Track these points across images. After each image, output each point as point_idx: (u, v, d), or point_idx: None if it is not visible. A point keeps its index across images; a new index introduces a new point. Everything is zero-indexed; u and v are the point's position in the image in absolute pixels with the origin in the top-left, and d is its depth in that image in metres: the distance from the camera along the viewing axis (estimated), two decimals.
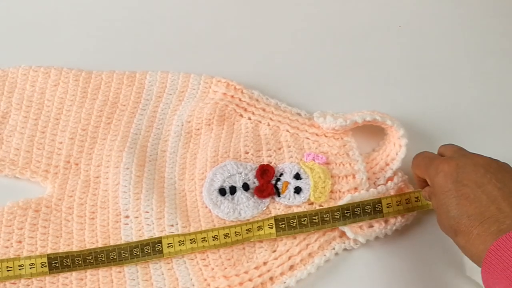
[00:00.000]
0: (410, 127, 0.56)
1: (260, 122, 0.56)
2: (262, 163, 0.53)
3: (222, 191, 0.51)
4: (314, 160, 0.52)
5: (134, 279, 0.47)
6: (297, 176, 0.52)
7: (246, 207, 0.50)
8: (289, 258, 0.48)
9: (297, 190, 0.51)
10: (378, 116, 0.52)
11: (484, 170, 0.42)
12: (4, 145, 0.54)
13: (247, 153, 0.53)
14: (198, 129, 0.55)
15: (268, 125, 0.55)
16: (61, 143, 0.54)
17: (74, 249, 0.49)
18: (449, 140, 0.53)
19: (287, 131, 0.55)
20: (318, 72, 0.62)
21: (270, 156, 0.53)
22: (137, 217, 0.50)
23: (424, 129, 0.59)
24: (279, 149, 0.54)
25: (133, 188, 0.51)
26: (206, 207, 0.51)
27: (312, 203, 0.51)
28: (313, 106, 0.58)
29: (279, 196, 0.51)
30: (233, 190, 0.51)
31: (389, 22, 0.66)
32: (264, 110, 0.56)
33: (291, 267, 0.48)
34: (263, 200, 0.51)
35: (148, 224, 0.49)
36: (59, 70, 0.58)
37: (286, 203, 0.51)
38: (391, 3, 0.68)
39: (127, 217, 0.50)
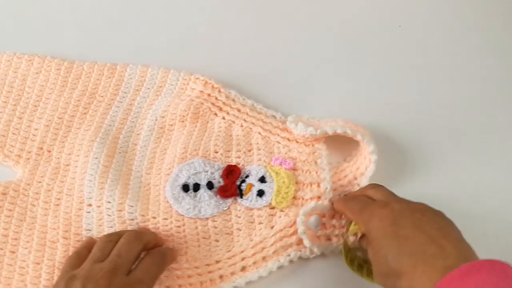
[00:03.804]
0: (410, 127, 0.57)
1: (234, 122, 0.56)
2: (230, 163, 0.53)
3: (185, 187, 0.51)
4: (281, 165, 0.52)
5: None
6: (262, 179, 0.51)
7: (207, 205, 0.50)
8: (242, 259, 0.48)
9: (260, 193, 0.51)
10: (349, 129, 0.51)
11: (420, 214, 0.42)
12: None
13: (217, 152, 0.53)
14: (172, 125, 0.56)
15: (241, 126, 0.55)
16: (36, 129, 0.55)
17: (36, 233, 0.50)
18: (449, 139, 0.55)
19: (259, 133, 0.55)
20: (317, 72, 0.62)
21: (239, 157, 0.53)
22: (99, 207, 0.50)
23: (424, 128, 0.58)
24: (249, 151, 0.54)
25: (99, 177, 0.51)
26: (168, 201, 0.51)
27: (273, 207, 0.51)
28: (313, 106, 0.58)
29: (241, 197, 0.51)
30: (196, 187, 0.51)
31: (389, 22, 0.67)
32: (239, 110, 0.56)
33: (243, 268, 0.48)
34: (225, 200, 0.51)
35: (108, 215, 0.50)
36: (42, 59, 0.59)
37: (248, 205, 0.51)
38: (391, 3, 0.68)
39: (89, 205, 0.50)
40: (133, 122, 0.56)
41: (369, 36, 0.65)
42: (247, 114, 0.56)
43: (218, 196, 0.51)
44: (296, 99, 0.59)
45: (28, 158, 0.54)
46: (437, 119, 0.59)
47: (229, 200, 0.51)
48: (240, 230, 0.49)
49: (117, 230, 0.49)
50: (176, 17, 0.66)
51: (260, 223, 0.50)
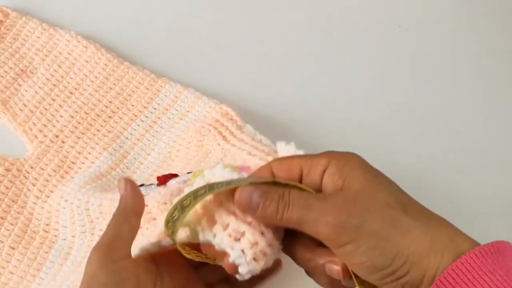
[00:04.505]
0: (409, 126, 0.58)
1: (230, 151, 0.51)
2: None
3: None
4: None
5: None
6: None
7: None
8: None
9: None
10: None
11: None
12: (17, 97, 0.57)
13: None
14: (178, 151, 0.54)
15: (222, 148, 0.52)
16: (61, 116, 0.56)
17: (21, 219, 0.51)
18: (449, 139, 0.57)
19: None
20: (317, 72, 0.62)
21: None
22: (72, 203, 0.50)
23: (424, 128, 0.59)
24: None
25: (89, 179, 0.51)
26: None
27: None
28: (312, 107, 0.59)
29: None
30: None
31: (389, 22, 0.66)
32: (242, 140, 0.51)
33: None
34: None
35: (79, 214, 0.49)
36: (97, 49, 0.59)
37: None
38: (391, 3, 0.68)
39: (66, 201, 0.50)
40: (149, 140, 0.55)
41: (369, 36, 0.65)
42: (243, 141, 0.51)
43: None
44: (295, 100, 0.59)
45: (42, 142, 0.55)
46: (436, 118, 0.59)
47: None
48: None
49: (87, 228, 0.49)
50: (174, 17, 0.65)
51: None
